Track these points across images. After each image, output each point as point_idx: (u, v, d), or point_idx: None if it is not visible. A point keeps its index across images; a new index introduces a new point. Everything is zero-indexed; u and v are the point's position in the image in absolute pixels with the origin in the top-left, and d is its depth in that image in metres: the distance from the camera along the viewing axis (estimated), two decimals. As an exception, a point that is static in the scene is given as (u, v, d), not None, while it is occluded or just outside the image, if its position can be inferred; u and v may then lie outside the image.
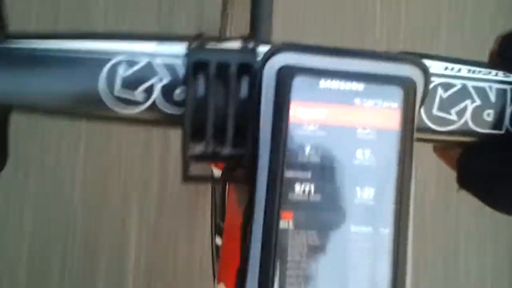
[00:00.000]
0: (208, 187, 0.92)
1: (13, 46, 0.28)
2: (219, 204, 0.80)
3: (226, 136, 0.29)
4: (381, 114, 0.28)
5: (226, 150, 0.29)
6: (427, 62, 0.32)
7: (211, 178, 0.32)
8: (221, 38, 0.29)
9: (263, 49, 0.29)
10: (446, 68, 0.32)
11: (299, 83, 0.28)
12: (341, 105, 0.28)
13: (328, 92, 0.28)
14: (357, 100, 0.28)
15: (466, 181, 0.34)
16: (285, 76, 0.28)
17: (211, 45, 0.29)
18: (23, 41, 0.28)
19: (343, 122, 0.28)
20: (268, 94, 0.28)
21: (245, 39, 0.30)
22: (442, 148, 0.36)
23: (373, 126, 0.28)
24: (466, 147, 0.34)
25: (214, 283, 0.68)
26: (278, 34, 0.73)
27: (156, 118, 0.29)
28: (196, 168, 0.31)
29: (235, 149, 0.29)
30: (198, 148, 0.29)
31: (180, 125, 0.29)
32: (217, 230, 0.79)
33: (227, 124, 0.29)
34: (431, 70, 0.32)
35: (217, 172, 0.70)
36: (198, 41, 0.29)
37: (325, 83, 0.28)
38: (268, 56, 0.28)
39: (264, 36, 0.63)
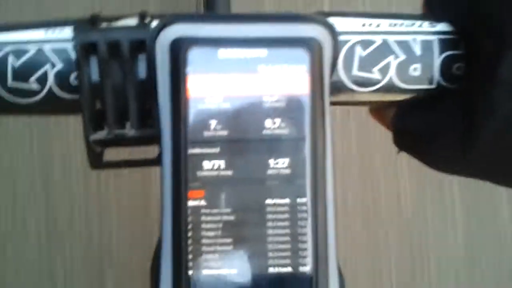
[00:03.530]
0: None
1: None
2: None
3: (129, 118, 0.28)
4: (288, 79, 0.27)
5: (131, 133, 0.28)
6: (342, 20, 0.30)
7: (126, 163, 0.31)
8: (117, 17, 0.28)
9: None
10: (364, 25, 0.30)
11: (194, 55, 0.26)
12: (244, 74, 0.27)
13: (228, 62, 0.27)
14: (260, 67, 0.27)
15: (401, 141, 0.33)
16: (178, 49, 0.26)
17: (103, 25, 0.28)
18: None
19: (248, 92, 0.27)
20: (164, 70, 0.27)
21: (142, 15, 0.28)
22: (377, 109, 0.34)
23: (280, 93, 0.27)
24: (398, 105, 0.32)
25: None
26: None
27: (56, 106, 0.28)
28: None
29: (140, 131, 0.28)
30: (101, 133, 0.28)
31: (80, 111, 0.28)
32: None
33: (129, 105, 0.28)
34: (347, 28, 0.30)
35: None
36: (88, 23, 0.27)
37: (224, 52, 0.26)
38: (159, 29, 0.26)
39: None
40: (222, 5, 0.63)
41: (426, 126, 0.31)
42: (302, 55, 0.27)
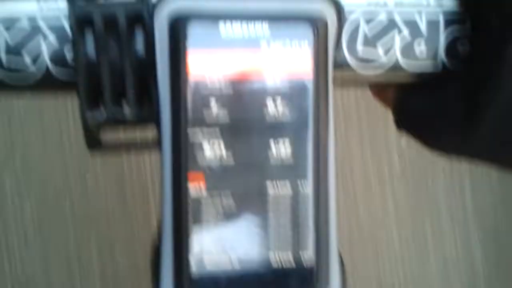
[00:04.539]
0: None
1: None
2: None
3: (127, 98, 0.27)
4: (291, 57, 0.26)
5: (128, 112, 0.27)
6: None
7: (126, 145, 0.30)
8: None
9: None
10: None
11: (195, 30, 0.25)
12: (245, 50, 0.26)
13: (229, 38, 0.26)
14: (263, 44, 0.26)
15: (403, 122, 0.32)
16: (178, 24, 0.25)
17: None
18: None
19: (250, 69, 0.26)
20: (163, 45, 0.26)
21: None
22: (378, 90, 0.33)
23: (283, 71, 0.26)
24: (400, 86, 0.32)
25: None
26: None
27: (51, 86, 0.27)
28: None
29: (138, 110, 0.27)
30: (98, 112, 0.27)
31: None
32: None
33: (126, 84, 0.27)
34: (351, 1, 0.29)
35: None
36: None
37: (225, 28, 0.26)
38: (157, 3, 0.25)
39: None
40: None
41: (429, 106, 0.30)
42: (305, 31, 0.26)
